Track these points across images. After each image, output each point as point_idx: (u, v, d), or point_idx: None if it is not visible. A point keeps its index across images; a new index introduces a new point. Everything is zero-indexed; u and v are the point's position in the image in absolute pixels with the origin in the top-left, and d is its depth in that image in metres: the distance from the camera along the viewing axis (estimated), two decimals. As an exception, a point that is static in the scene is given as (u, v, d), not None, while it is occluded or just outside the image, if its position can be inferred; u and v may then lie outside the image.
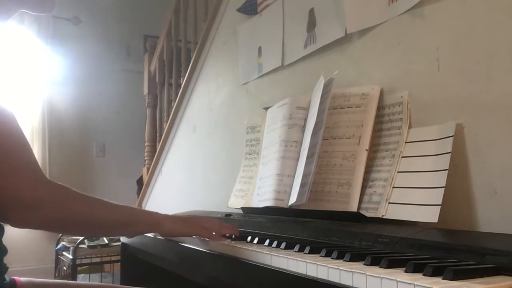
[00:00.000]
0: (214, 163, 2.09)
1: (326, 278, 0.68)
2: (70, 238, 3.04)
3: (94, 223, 0.89)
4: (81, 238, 2.87)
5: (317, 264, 0.71)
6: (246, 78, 1.88)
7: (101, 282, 2.78)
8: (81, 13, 4.01)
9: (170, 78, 2.89)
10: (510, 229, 0.82)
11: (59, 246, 3.07)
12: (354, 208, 1.09)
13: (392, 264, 0.66)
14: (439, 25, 1.07)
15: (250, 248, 0.90)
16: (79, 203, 0.85)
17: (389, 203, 1.03)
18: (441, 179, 0.93)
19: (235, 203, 1.56)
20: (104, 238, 2.94)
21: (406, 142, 1.06)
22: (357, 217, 1.06)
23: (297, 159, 1.27)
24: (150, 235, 1.29)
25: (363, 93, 1.19)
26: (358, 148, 1.15)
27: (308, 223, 1.09)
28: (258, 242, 0.98)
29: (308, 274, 0.72)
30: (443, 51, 1.05)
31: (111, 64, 4.11)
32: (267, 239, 0.96)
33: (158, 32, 3.07)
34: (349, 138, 1.18)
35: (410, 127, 1.08)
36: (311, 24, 1.49)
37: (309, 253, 0.81)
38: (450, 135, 0.95)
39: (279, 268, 0.79)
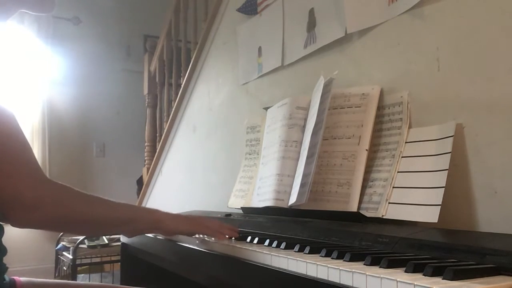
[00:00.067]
0: (214, 163, 2.09)
1: (326, 278, 0.68)
2: (70, 238, 3.04)
3: (95, 221, 0.88)
4: (81, 238, 2.87)
5: (317, 264, 0.71)
6: (246, 78, 1.88)
7: (101, 282, 2.78)
8: (81, 13, 4.01)
9: (170, 78, 2.89)
10: (510, 229, 0.82)
11: (59, 246, 3.07)
12: (354, 208, 1.10)
13: (392, 264, 0.66)
14: (439, 25, 1.07)
15: (250, 248, 0.90)
16: (79, 201, 0.85)
17: (389, 203, 1.03)
18: (441, 179, 0.93)
19: (235, 203, 1.56)
20: (104, 238, 2.94)
21: (406, 142, 1.06)
22: (357, 217, 1.06)
23: (297, 159, 1.27)
24: (150, 235, 1.29)
25: (363, 93, 1.19)
26: (358, 148, 1.15)
27: (308, 223, 1.09)
28: (258, 242, 0.98)
29: (308, 274, 0.72)
30: (443, 51, 1.05)
31: (111, 64, 4.11)
32: (267, 239, 0.96)
33: (158, 32, 3.07)
34: (349, 138, 1.18)
35: (410, 127, 1.08)
36: (311, 24, 1.49)
37: (309, 253, 0.81)
38: (450, 135, 0.95)
39: (279, 268, 0.79)
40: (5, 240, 0.83)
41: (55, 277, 3.14)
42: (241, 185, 1.58)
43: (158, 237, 1.26)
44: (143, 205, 2.90)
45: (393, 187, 1.04)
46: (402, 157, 1.05)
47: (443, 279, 0.58)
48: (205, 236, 1.09)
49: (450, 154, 0.93)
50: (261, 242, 0.97)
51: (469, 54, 0.99)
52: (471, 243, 0.73)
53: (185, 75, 2.50)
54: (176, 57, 2.82)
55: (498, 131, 0.91)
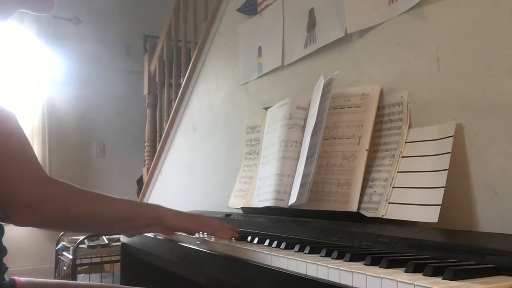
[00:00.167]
0: (214, 163, 2.09)
1: (326, 278, 0.68)
2: (70, 238, 3.04)
3: (97, 218, 0.88)
4: (81, 238, 2.87)
5: (317, 264, 0.71)
6: (246, 78, 1.88)
7: (101, 282, 2.78)
8: (81, 13, 4.01)
9: (170, 78, 2.89)
10: (510, 229, 0.82)
11: (59, 246, 3.07)
12: (354, 208, 1.10)
13: (392, 264, 0.66)
14: (439, 25, 1.07)
15: (250, 248, 0.90)
16: (80, 199, 0.85)
17: (389, 203, 1.03)
18: (441, 179, 0.93)
19: (235, 203, 1.56)
20: (104, 238, 2.94)
21: (406, 142, 1.06)
22: (357, 217, 1.06)
23: (297, 159, 1.27)
24: (150, 235, 1.29)
25: (363, 93, 1.19)
26: (358, 148, 1.15)
27: (308, 223, 1.09)
28: (258, 242, 0.98)
29: (308, 274, 0.72)
30: (443, 51, 1.05)
31: (111, 64, 4.11)
32: (267, 239, 0.96)
33: (158, 32, 3.07)
34: (349, 138, 1.18)
35: (410, 127, 1.08)
36: (311, 24, 1.49)
37: (309, 253, 0.81)
38: (450, 135, 0.95)
39: (279, 268, 0.79)
40: (5, 240, 0.83)
41: (55, 277, 3.14)
42: (241, 185, 1.58)
43: (158, 237, 1.26)
44: (143, 205, 2.89)
45: (393, 187, 1.04)
46: (402, 157, 1.05)
47: (443, 279, 0.58)
48: (205, 235, 1.09)
49: (450, 154, 0.93)
50: (261, 242, 0.97)
51: (469, 54, 0.99)
52: (471, 243, 0.73)
53: (185, 75, 2.50)
54: (176, 57, 2.82)
55: (498, 131, 0.91)
